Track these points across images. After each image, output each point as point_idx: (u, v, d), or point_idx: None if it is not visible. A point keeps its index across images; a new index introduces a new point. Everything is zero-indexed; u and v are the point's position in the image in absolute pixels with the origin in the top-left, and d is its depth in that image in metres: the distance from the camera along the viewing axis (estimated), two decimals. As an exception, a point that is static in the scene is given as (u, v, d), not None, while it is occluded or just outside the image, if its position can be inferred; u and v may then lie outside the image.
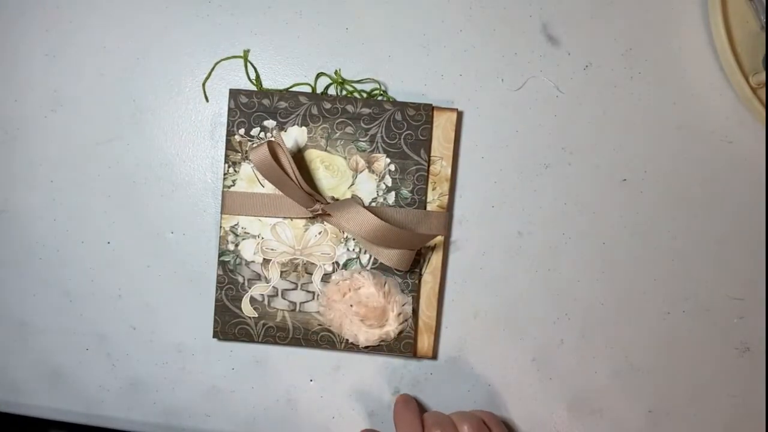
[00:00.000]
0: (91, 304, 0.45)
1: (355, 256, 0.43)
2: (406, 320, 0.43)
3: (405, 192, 0.43)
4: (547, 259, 0.45)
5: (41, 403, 0.45)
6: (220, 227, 0.43)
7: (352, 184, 0.43)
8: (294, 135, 0.43)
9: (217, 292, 0.43)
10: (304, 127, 0.43)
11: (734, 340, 0.45)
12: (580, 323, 0.45)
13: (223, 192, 0.43)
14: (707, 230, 0.45)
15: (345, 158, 0.43)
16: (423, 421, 0.40)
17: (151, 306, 0.45)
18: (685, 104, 0.45)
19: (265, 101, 0.42)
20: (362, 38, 0.44)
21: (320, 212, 0.41)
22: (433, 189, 0.43)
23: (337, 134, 0.43)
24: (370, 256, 0.43)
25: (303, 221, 0.43)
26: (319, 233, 0.43)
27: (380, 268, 0.43)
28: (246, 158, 0.43)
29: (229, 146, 0.43)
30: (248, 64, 0.44)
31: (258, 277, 0.43)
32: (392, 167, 0.43)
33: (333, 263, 0.43)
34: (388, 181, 0.43)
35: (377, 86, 0.44)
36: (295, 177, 0.40)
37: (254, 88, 0.44)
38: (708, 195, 0.45)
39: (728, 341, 0.45)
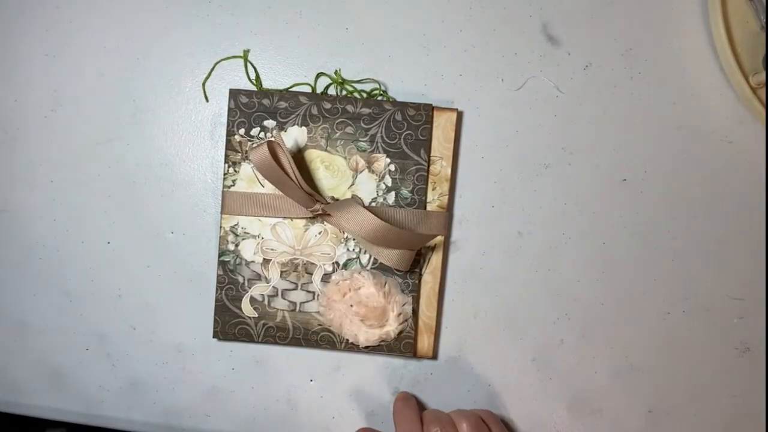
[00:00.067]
0: (91, 304, 0.45)
1: (355, 256, 0.43)
2: (406, 320, 0.43)
3: (405, 192, 0.43)
4: (547, 259, 0.45)
5: (41, 403, 0.45)
6: (220, 227, 0.43)
7: (352, 184, 0.43)
8: (294, 135, 0.43)
9: (217, 292, 0.43)
10: (304, 127, 0.43)
11: (734, 340, 0.45)
12: (580, 323, 0.45)
13: (223, 192, 0.43)
14: (707, 230, 0.45)
15: (345, 158, 0.43)
16: (422, 418, 0.40)
17: (151, 306, 0.45)
18: (685, 104, 0.45)
19: (265, 101, 0.42)
20: (362, 38, 0.44)
21: (320, 212, 0.41)
22: (433, 189, 0.43)
23: (337, 134, 0.43)
24: (370, 256, 0.43)
25: (303, 221, 0.43)
26: (319, 233, 0.43)
27: (380, 268, 0.43)
28: (246, 158, 0.43)
29: (229, 146, 0.43)
30: (248, 64, 0.44)
31: (258, 277, 0.43)
32: (392, 167, 0.43)
33: (333, 263, 0.43)
34: (388, 181, 0.43)
35: (377, 86, 0.44)
36: (295, 177, 0.40)
37: (254, 88, 0.44)
38: (708, 195, 0.45)
39: (728, 341, 0.45)
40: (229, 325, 0.43)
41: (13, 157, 0.44)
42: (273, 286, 0.43)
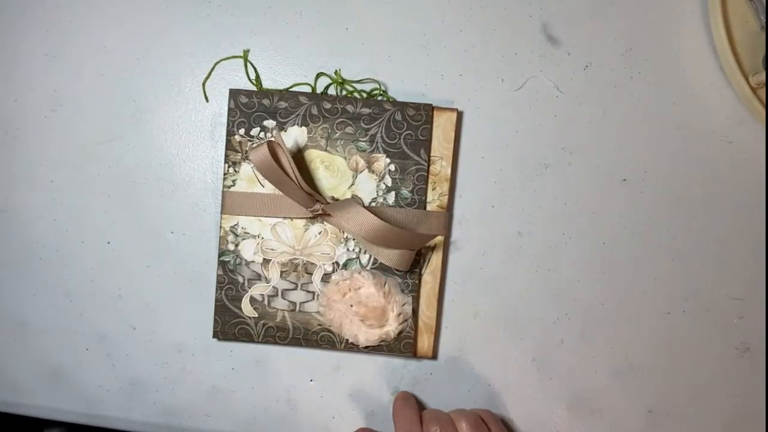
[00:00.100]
0: (91, 304, 0.45)
1: (355, 256, 0.43)
2: (406, 320, 0.43)
3: (405, 192, 0.43)
4: (547, 259, 0.45)
5: (41, 403, 0.45)
6: (220, 227, 0.43)
7: (352, 184, 0.43)
8: (294, 135, 0.43)
9: (217, 292, 0.43)
10: (304, 127, 0.43)
11: (734, 340, 0.45)
12: (580, 323, 0.45)
13: (223, 192, 0.43)
14: (707, 230, 0.45)
15: (345, 158, 0.43)
16: (421, 417, 0.40)
17: (151, 306, 0.45)
18: (685, 104, 0.45)
19: (265, 101, 0.42)
20: (362, 38, 0.44)
21: (320, 212, 0.41)
22: (433, 189, 0.43)
23: (337, 134, 0.43)
24: (370, 256, 0.43)
25: (303, 221, 0.43)
26: (319, 233, 0.43)
27: (380, 268, 0.43)
28: (246, 158, 0.43)
29: (229, 146, 0.43)
30: (248, 64, 0.44)
31: (258, 277, 0.43)
32: (392, 167, 0.43)
33: (333, 263, 0.43)
34: (388, 181, 0.43)
35: (377, 86, 0.44)
36: (295, 177, 0.40)
37: (254, 88, 0.44)
38: (708, 195, 0.45)
39: (728, 341, 0.45)
40: (229, 325, 0.43)
41: (13, 157, 0.44)
42: (273, 286, 0.43)
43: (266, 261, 0.43)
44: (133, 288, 0.45)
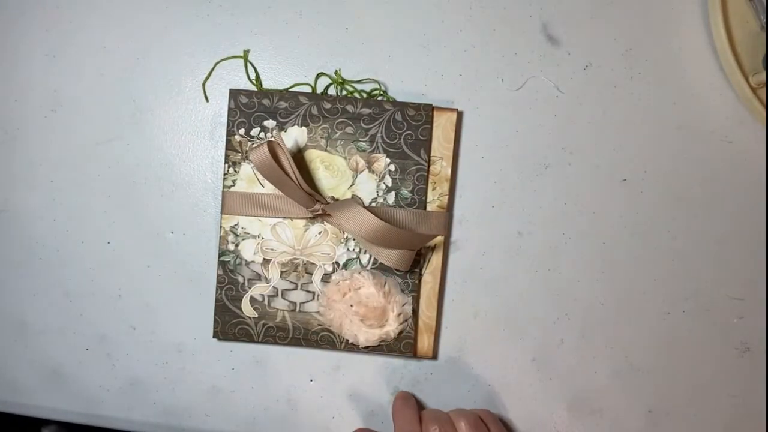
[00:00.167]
0: (91, 304, 0.45)
1: (355, 256, 0.43)
2: (406, 320, 0.43)
3: (405, 192, 0.43)
4: (547, 259, 0.45)
5: (41, 403, 0.45)
6: (220, 227, 0.43)
7: (352, 184, 0.43)
8: (294, 135, 0.43)
9: (217, 292, 0.43)
10: (304, 127, 0.43)
11: (734, 340, 0.45)
12: (580, 323, 0.45)
13: (223, 192, 0.43)
14: (707, 230, 0.45)
15: (345, 158, 0.43)
16: (421, 417, 0.40)
17: (151, 306, 0.45)
18: (685, 104, 0.45)
19: (265, 101, 0.42)
20: (362, 38, 0.44)
21: (320, 212, 0.41)
22: (433, 189, 0.43)
23: (337, 134, 0.43)
24: (370, 256, 0.43)
25: (303, 221, 0.43)
26: (319, 233, 0.43)
27: (380, 268, 0.43)
28: (246, 158, 0.43)
29: (229, 146, 0.43)
30: (248, 64, 0.44)
31: (258, 277, 0.43)
32: (392, 167, 0.43)
33: (333, 263, 0.43)
34: (388, 181, 0.43)
35: (377, 86, 0.44)
36: (295, 177, 0.40)
37: (254, 88, 0.44)
38: (708, 195, 0.45)
39: (728, 341, 0.45)
40: (229, 325, 0.43)
41: (13, 157, 0.44)
42: (273, 286, 0.43)
43: (266, 261, 0.43)
44: (133, 288, 0.45)
